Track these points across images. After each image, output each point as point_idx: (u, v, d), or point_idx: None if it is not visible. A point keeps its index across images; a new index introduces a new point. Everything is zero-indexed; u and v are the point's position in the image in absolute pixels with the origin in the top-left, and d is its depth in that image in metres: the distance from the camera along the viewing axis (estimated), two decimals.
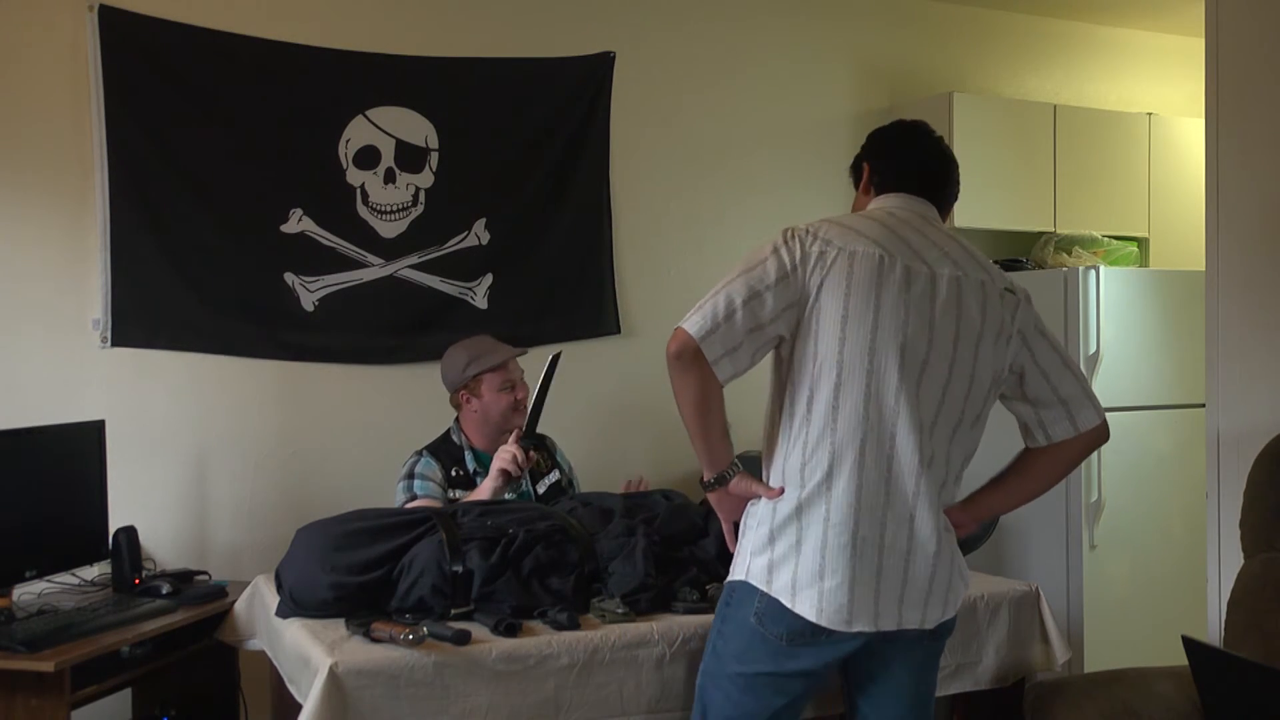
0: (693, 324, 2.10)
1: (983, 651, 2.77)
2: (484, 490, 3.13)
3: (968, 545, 3.21)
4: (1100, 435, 2.30)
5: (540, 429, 3.26)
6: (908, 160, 2.34)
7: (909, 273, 2.14)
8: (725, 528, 2.33)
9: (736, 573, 2.23)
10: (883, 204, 2.31)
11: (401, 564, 2.56)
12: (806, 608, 2.12)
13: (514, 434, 3.17)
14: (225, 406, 3.78)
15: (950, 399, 2.17)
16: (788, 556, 2.14)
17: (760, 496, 2.20)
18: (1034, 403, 2.28)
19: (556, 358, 3.19)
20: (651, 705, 2.43)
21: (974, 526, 2.39)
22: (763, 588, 2.17)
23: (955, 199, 2.40)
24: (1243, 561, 2.83)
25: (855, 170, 2.42)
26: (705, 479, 2.26)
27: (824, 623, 2.12)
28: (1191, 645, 2.34)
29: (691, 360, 2.09)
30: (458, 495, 3.23)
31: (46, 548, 3.17)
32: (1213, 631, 3.09)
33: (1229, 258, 3.13)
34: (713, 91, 4.47)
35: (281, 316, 3.84)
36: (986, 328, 2.19)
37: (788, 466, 2.17)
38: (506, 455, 3.10)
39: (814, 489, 2.13)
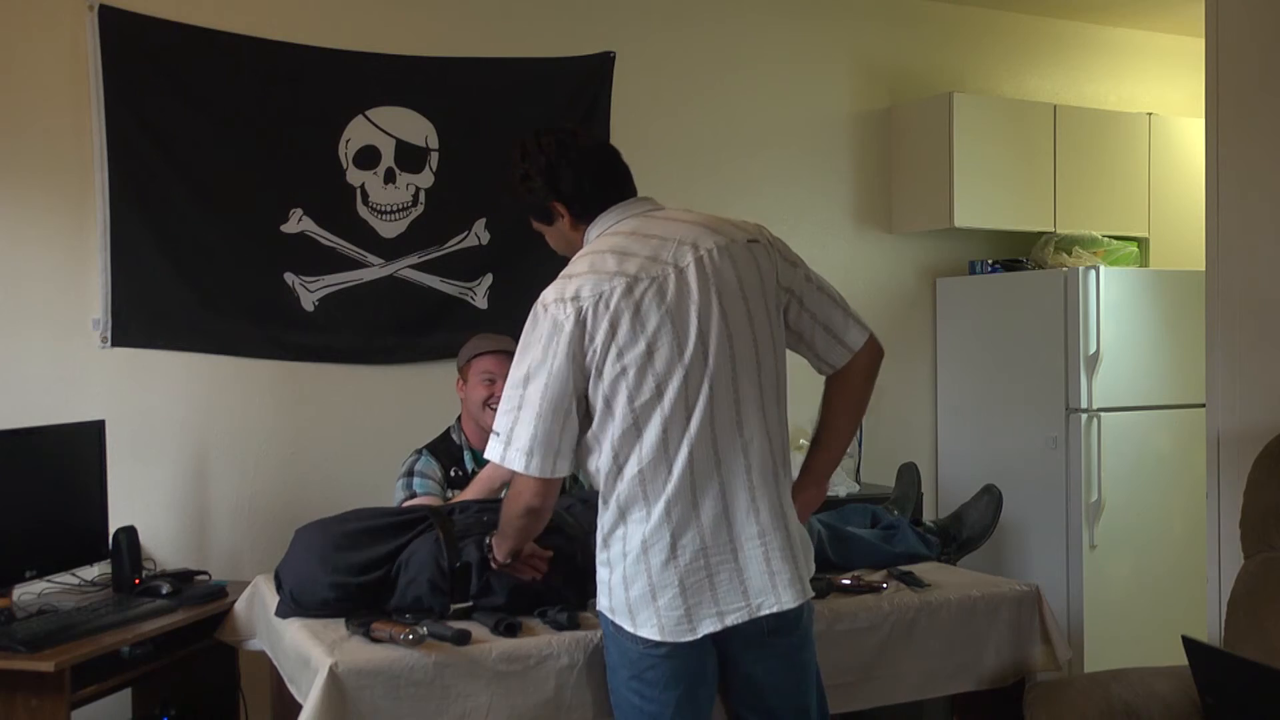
0: (519, 462, 2.17)
1: (983, 651, 2.77)
2: (479, 489, 3.09)
3: (969, 544, 3.21)
4: (874, 352, 2.34)
5: None
6: (592, 175, 2.28)
7: (657, 283, 2.15)
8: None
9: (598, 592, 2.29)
10: (601, 228, 2.27)
11: (399, 561, 2.56)
12: (649, 630, 2.17)
13: None
14: (225, 406, 3.78)
15: (745, 376, 2.18)
16: (620, 582, 2.19)
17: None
18: (803, 335, 2.31)
19: None
20: None
21: (821, 491, 2.43)
22: (606, 614, 2.24)
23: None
24: (1243, 561, 2.84)
25: (540, 212, 2.33)
26: (500, 561, 2.47)
27: (668, 639, 2.17)
28: (1191, 645, 2.34)
29: (547, 495, 2.23)
30: (455, 495, 3.22)
31: (46, 548, 3.17)
32: (1213, 631, 3.09)
33: (1229, 258, 3.13)
34: (713, 91, 4.48)
35: (281, 316, 3.83)
36: (748, 288, 2.20)
37: (610, 497, 2.21)
38: None
39: (637, 516, 2.17)
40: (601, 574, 2.26)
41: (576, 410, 2.17)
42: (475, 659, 2.31)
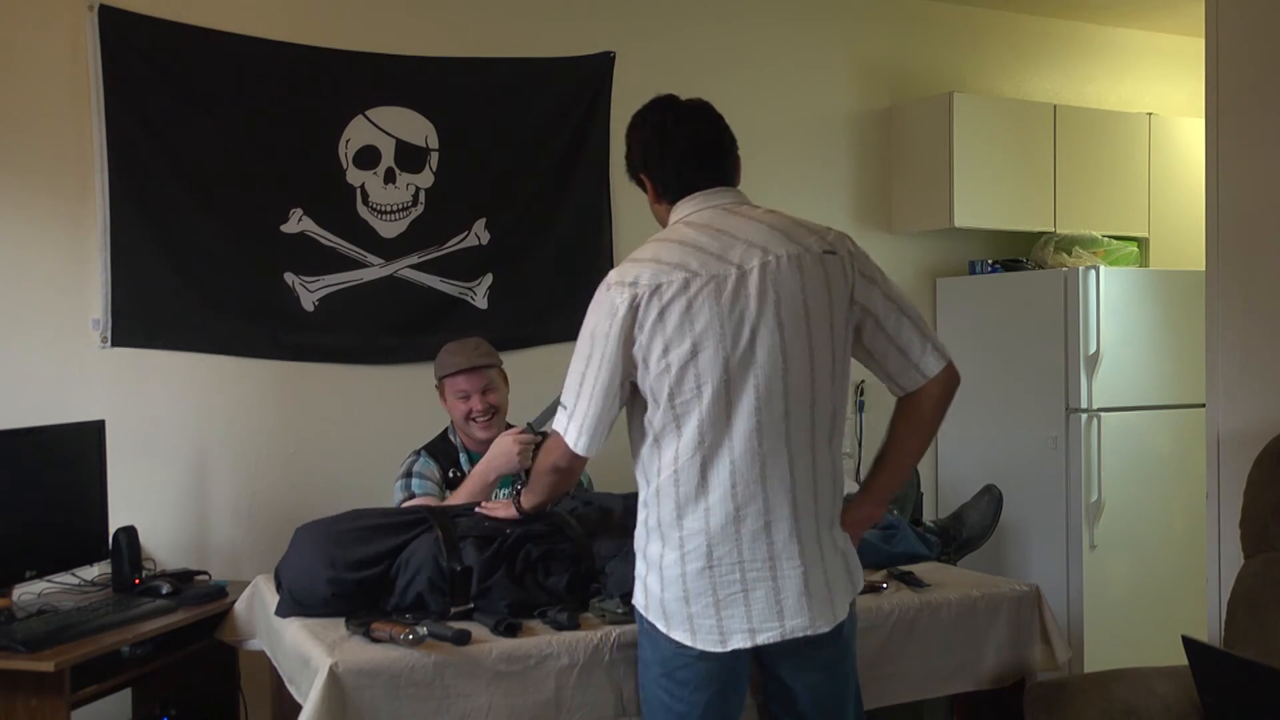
0: (572, 436, 2.22)
1: (983, 651, 2.77)
2: (474, 484, 3.05)
3: (969, 544, 3.21)
4: (949, 380, 2.27)
5: (543, 428, 3.24)
6: (678, 159, 2.27)
7: (716, 281, 2.13)
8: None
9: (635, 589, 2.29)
10: (680, 214, 2.27)
11: (399, 561, 2.56)
12: (681, 634, 2.16)
13: (515, 430, 3.08)
14: (225, 406, 3.77)
15: (795, 390, 2.14)
16: (655, 583, 2.19)
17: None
18: (876, 354, 2.26)
19: None
20: None
21: (879, 511, 2.43)
22: (641, 610, 2.24)
23: (736, 152, 2.33)
24: (1243, 561, 2.84)
25: (636, 181, 2.36)
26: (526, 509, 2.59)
27: (699, 646, 2.16)
28: (1191, 645, 2.34)
29: (574, 460, 2.28)
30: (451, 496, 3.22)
31: (46, 548, 3.17)
32: (1213, 631, 3.09)
33: (1229, 258, 3.13)
34: (713, 91, 4.39)
35: (281, 316, 3.83)
36: (812, 302, 2.16)
37: (648, 494, 2.21)
38: (513, 458, 3.00)
39: (670, 516, 2.16)
40: (639, 569, 2.25)
41: (622, 395, 2.19)
42: (475, 659, 2.31)
